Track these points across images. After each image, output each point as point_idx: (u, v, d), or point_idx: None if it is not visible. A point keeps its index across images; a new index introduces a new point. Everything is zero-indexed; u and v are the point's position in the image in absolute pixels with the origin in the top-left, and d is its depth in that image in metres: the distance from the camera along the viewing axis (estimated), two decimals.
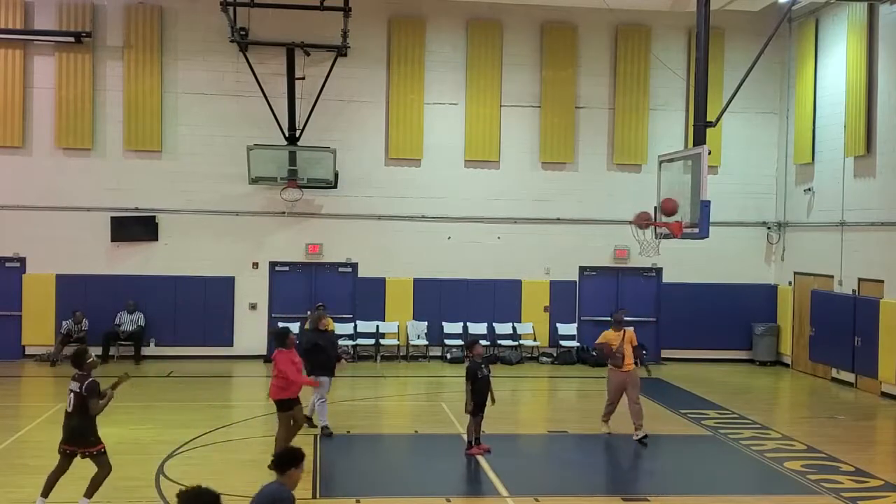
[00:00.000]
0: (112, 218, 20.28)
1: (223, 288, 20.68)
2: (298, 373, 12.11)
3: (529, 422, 15.53)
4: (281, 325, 15.87)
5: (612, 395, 13.75)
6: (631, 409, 13.45)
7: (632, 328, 13.98)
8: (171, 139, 20.57)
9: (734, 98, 16.23)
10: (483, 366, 12.47)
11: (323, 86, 19.93)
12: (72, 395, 9.51)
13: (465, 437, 12.79)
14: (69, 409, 9.54)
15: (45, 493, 9.77)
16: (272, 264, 21.00)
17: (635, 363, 13.74)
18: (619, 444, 13.39)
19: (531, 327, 21.20)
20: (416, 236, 21.14)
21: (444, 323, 21.07)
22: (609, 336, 13.71)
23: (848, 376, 18.91)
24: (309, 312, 20.60)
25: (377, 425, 15.17)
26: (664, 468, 12.66)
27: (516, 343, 21.10)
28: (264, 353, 20.64)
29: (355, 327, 20.91)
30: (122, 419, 14.56)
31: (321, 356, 13.35)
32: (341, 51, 19.79)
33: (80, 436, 9.52)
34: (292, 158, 20.00)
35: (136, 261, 20.49)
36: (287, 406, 11.87)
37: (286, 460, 6.56)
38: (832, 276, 19.52)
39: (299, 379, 12.07)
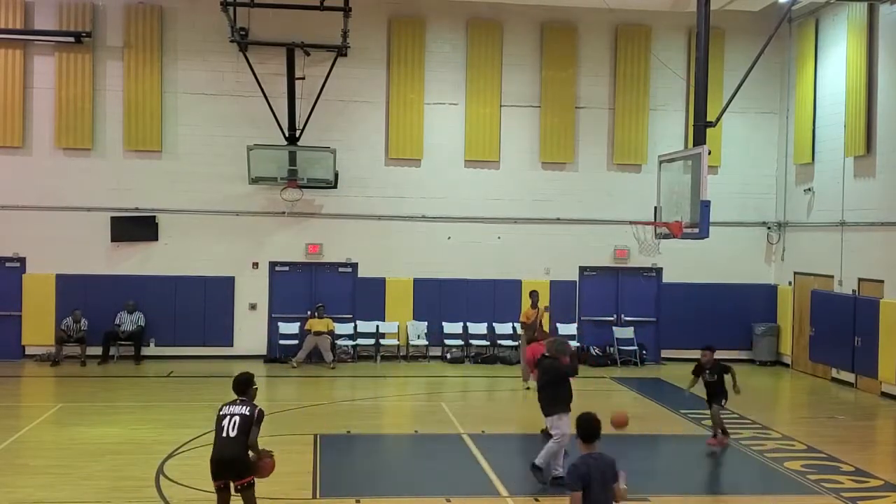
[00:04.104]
0: (112, 218, 20.28)
1: (223, 288, 20.67)
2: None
3: (529, 422, 15.51)
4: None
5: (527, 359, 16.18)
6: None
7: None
8: (171, 139, 20.57)
9: (734, 98, 16.25)
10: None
11: (323, 86, 19.93)
12: (236, 418, 8.51)
13: (465, 436, 12.83)
14: (231, 434, 8.46)
15: None
16: (272, 264, 20.99)
17: None
18: (619, 444, 13.37)
19: None
20: (416, 236, 21.14)
21: (444, 323, 21.07)
22: (529, 313, 17.66)
23: (848, 376, 18.90)
24: (309, 312, 20.73)
25: (377, 425, 15.16)
26: (664, 468, 12.67)
27: (516, 343, 21.06)
28: (264, 353, 20.68)
29: (355, 327, 20.89)
30: (122, 419, 14.60)
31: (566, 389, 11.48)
32: (341, 51, 19.79)
33: (238, 463, 8.54)
34: (292, 158, 20.00)
35: (136, 261, 20.48)
36: None
37: None
38: (832, 276, 19.51)
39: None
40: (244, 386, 8.81)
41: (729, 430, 14.43)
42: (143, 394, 17.03)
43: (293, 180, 20.01)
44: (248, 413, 8.53)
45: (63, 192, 20.16)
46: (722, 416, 13.57)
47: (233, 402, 8.70)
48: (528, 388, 16.88)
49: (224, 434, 8.48)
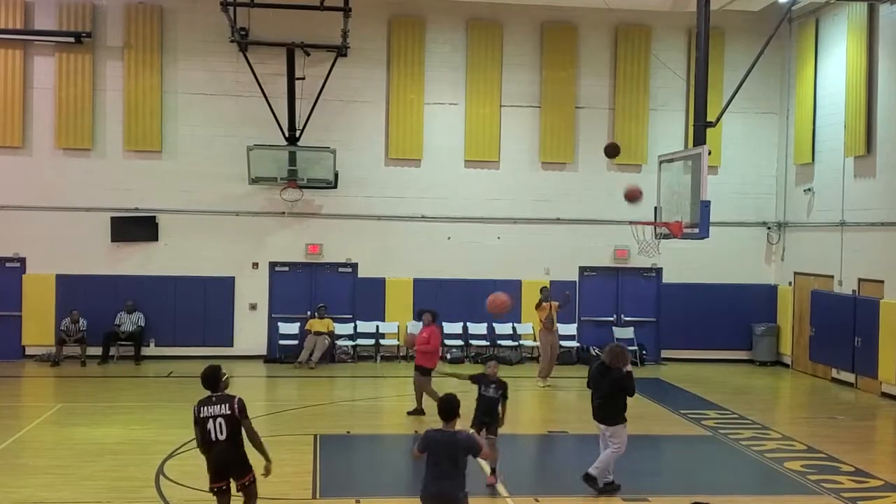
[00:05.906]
0: (112, 218, 20.27)
1: (223, 288, 20.67)
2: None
3: (529, 422, 15.52)
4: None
5: (546, 350, 18.51)
6: (551, 360, 18.49)
7: (556, 302, 18.78)
8: (171, 139, 20.57)
9: (734, 98, 16.23)
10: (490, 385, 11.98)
11: (323, 86, 19.93)
12: (220, 420, 8.24)
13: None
14: (221, 437, 8.23)
15: None
16: (272, 264, 20.99)
17: None
18: None
19: (531, 327, 21.17)
20: (416, 236, 21.13)
21: (444, 323, 21.00)
22: (545, 308, 18.75)
23: (848, 376, 18.90)
24: (309, 313, 20.73)
25: (377, 425, 15.16)
26: (664, 468, 12.67)
27: (516, 343, 21.09)
28: (264, 353, 20.68)
29: (355, 327, 20.89)
30: (122, 419, 14.60)
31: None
32: (341, 51, 19.78)
33: (238, 464, 8.38)
34: (292, 158, 20.00)
35: (136, 261, 20.48)
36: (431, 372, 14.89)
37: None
38: (832, 277, 19.50)
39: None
40: (213, 380, 8.49)
41: (725, 430, 14.42)
42: (143, 394, 17.03)
43: (293, 180, 20.01)
44: (228, 412, 8.27)
45: (63, 192, 20.15)
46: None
47: (208, 401, 8.37)
48: (546, 387, 18.15)
49: (214, 438, 8.25)
